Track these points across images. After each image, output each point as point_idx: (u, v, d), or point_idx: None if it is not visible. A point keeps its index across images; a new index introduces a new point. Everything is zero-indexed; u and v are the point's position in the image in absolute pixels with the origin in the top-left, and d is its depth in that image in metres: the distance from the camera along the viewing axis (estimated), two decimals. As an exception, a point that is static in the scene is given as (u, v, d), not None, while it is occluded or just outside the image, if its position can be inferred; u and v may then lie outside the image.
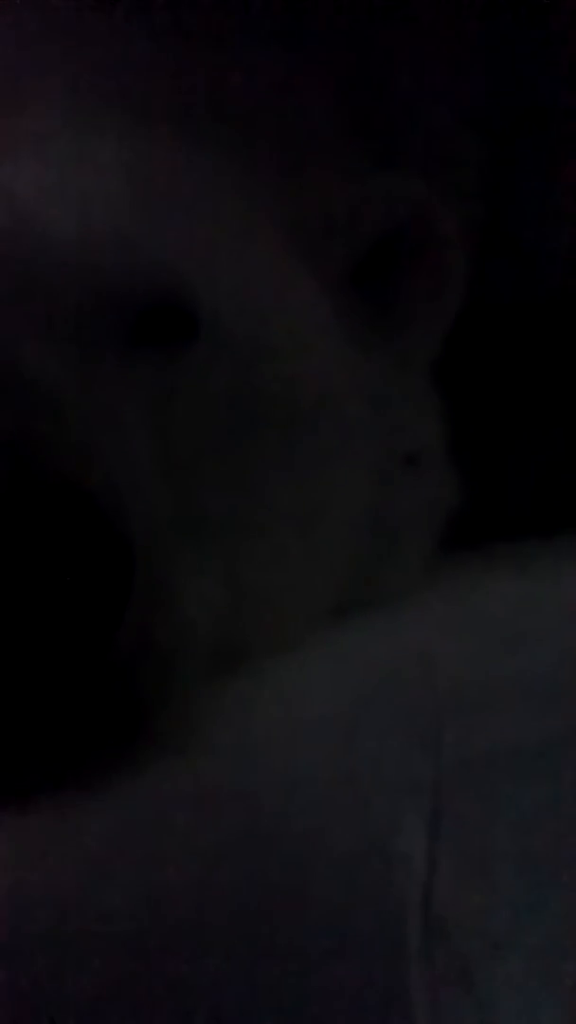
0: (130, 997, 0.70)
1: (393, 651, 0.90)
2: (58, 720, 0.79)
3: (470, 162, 1.12)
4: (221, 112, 1.02)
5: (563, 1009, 0.71)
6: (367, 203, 1.03)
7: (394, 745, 0.80)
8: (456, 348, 1.07)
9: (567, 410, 1.14)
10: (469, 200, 1.09)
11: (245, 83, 1.04)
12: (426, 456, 1.05)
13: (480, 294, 1.07)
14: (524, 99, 1.14)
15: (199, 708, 0.83)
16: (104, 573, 0.77)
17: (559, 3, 1.14)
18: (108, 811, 0.78)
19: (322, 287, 1.02)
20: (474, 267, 1.06)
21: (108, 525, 0.78)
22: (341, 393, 1.00)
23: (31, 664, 0.77)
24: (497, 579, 0.98)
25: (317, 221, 1.02)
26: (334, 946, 0.72)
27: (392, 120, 1.09)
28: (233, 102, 1.03)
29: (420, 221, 1.04)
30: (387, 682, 0.86)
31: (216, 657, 0.87)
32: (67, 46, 1.02)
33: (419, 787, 0.77)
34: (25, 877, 0.74)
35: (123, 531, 0.78)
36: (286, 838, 0.76)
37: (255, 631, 0.91)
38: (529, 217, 1.14)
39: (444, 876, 0.74)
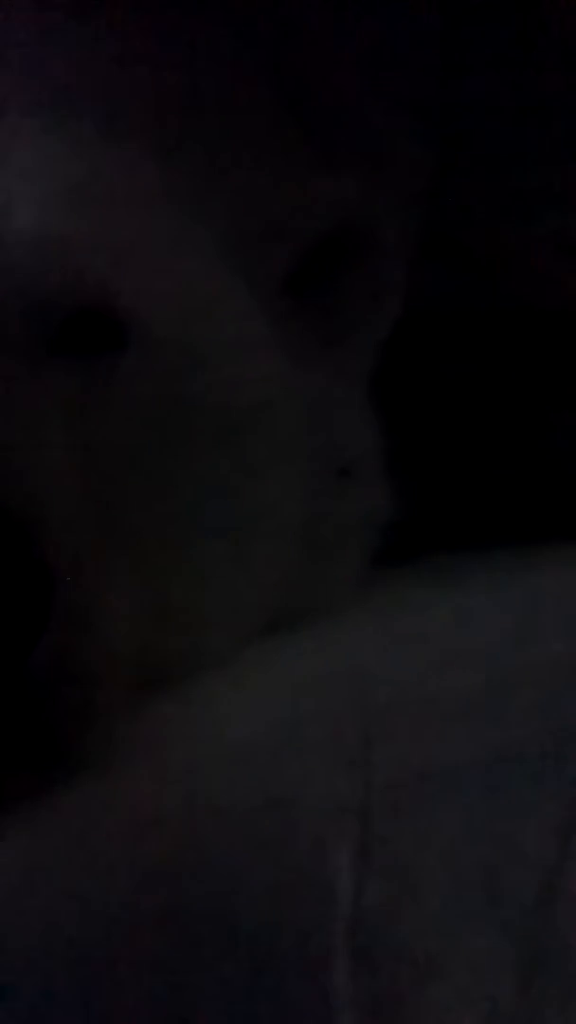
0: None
1: (323, 670, 0.88)
2: None
3: (411, 166, 1.10)
4: (151, 112, 1.00)
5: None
6: (304, 207, 1.02)
7: (321, 767, 0.79)
8: (393, 358, 1.06)
9: (505, 422, 1.14)
10: (409, 205, 1.08)
11: (177, 82, 1.03)
12: (361, 468, 1.04)
13: (419, 302, 1.05)
14: (467, 102, 1.13)
15: (121, 731, 0.82)
16: (20, 594, 0.76)
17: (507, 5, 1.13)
18: (25, 838, 0.76)
19: (257, 294, 1.00)
20: (413, 274, 1.05)
21: (25, 543, 0.77)
22: (274, 403, 0.98)
23: None
24: (432, 594, 0.97)
25: (252, 225, 1.00)
26: (259, 974, 0.71)
27: (331, 122, 1.08)
28: (164, 101, 1.01)
29: (359, 226, 1.03)
30: (316, 702, 0.85)
31: (140, 678, 0.85)
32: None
33: (346, 810, 0.76)
34: None
35: (41, 547, 0.77)
36: (210, 864, 0.74)
37: (181, 651, 0.90)
38: (470, 223, 1.13)
39: (372, 902, 0.73)
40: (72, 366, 0.89)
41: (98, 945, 0.72)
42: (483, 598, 0.95)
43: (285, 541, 0.98)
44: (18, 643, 0.76)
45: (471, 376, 1.13)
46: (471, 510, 1.11)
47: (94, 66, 1.01)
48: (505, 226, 1.14)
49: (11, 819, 0.76)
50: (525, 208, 1.15)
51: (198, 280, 0.98)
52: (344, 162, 1.06)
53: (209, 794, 0.78)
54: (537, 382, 1.14)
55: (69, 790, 0.78)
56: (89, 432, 0.88)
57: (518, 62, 1.15)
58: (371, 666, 0.88)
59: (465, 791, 0.78)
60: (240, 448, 0.95)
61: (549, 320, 1.15)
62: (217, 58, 1.05)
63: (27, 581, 0.76)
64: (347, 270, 1.03)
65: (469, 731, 0.81)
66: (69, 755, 0.80)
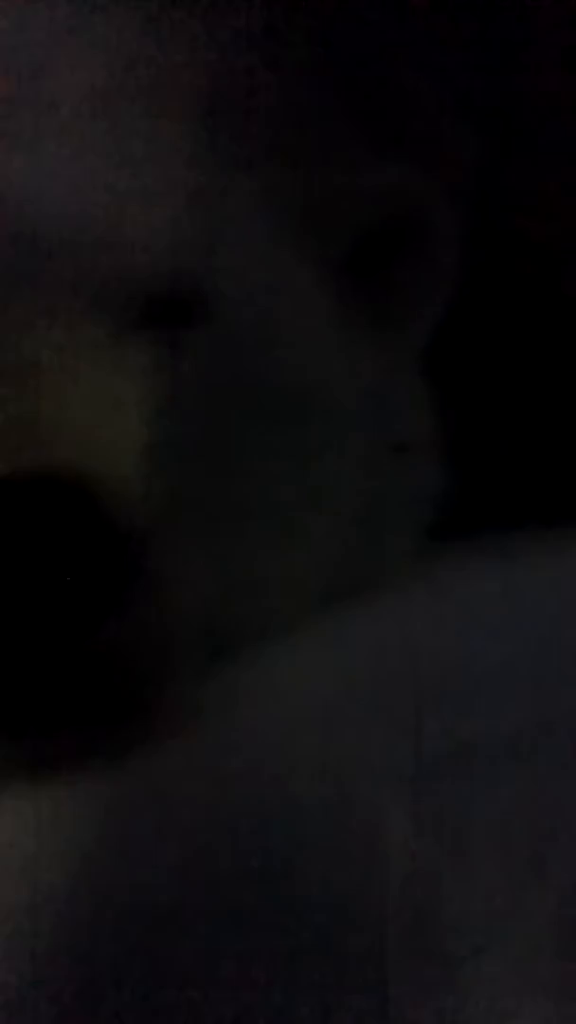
0: (122, 979, 0.72)
1: (377, 641, 0.90)
2: (50, 705, 0.80)
3: (465, 155, 1.11)
4: (223, 103, 1.02)
5: (541, 1009, 0.73)
6: (364, 195, 1.03)
7: (375, 735, 0.81)
8: (448, 338, 1.07)
9: (557, 399, 1.15)
10: (463, 191, 1.09)
11: (247, 75, 1.04)
12: (416, 445, 1.05)
13: (472, 286, 1.07)
14: (521, 92, 1.14)
15: (188, 695, 0.84)
16: (97, 560, 0.78)
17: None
18: (98, 793, 0.79)
19: (318, 277, 1.02)
20: (467, 259, 1.06)
21: (103, 510, 0.79)
22: (334, 382, 1.00)
23: (25, 649, 0.78)
24: (484, 569, 0.98)
25: (314, 211, 1.02)
26: (319, 933, 0.73)
27: (389, 112, 1.09)
28: (235, 94, 1.03)
29: (415, 214, 1.04)
30: (369, 672, 0.87)
31: (207, 643, 0.88)
32: (80, 38, 1.02)
33: (400, 778, 0.79)
34: (24, 863, 0.76)
35: (118, 515, 0.79)
36: (269, 827, 0.77)
37: (244, 618, 0.92)
38: (521, 211, 1.14)
39: (424, 868, 0.75)
40: (149, 344, 0.91)
41: (167, 896, 0.74)
42: (534, 574, 0.96)
43: (342, 515, 1.00)
44: (94, 608, 0.79)
45: (522, 356, 1.14)
46: (523, 487, 1.12)
47: (173, 64, 1.02)
48: (557, 214, 1.15)
49: (86, 779, 0.79)
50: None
51: (264, 262, 1.00)
52: (401, 149, 1.07)
53: (269, 759, 0.81)
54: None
55: (142, 752, 0.80)
56: (164, 404, 0.90)
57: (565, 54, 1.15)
58: (424, 638, 0.89)
59: (515, 761, 0.80)
60: (301, 424, 0.97)
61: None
62: (280, 48, 1.06)
63: (103, 548, 0.78)
64: (403, 254, 1.04)
65: (519, 703, 0.83)
66: (141, 718, 0.82)
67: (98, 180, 0.94)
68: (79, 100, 0.97)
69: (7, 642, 0.78)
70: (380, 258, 1.04)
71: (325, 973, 0.73)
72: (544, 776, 0.80)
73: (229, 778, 0.79)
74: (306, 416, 0.97)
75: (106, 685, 0.81)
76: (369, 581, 0.98)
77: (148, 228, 0.94)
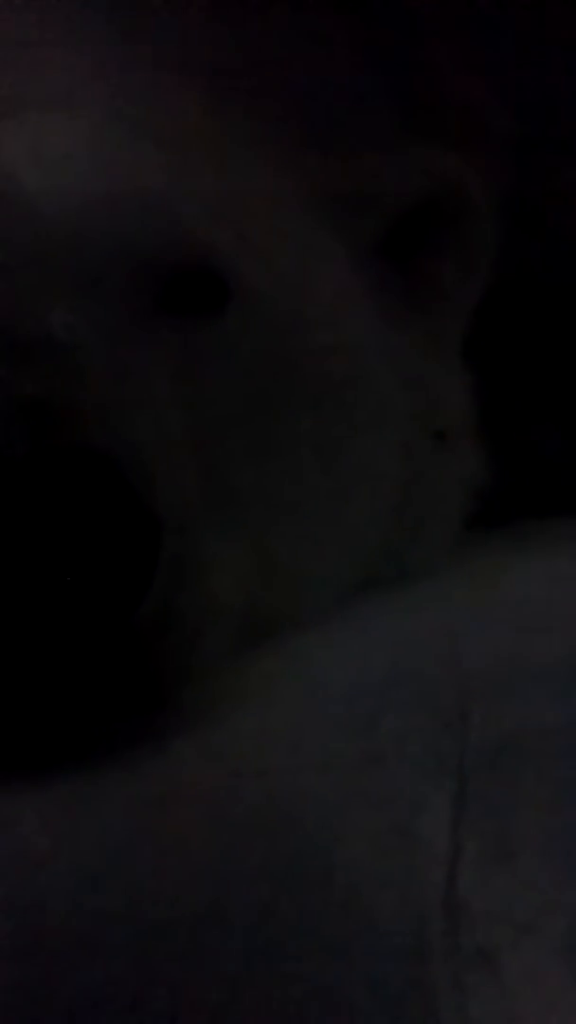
0: (147, 977, 0.69)
1: (418, 629, 0.89)
2: (80, 691, 0.78)
3: (501, 136, 1.12)
4: (254, 80, 1.02)
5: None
6: (400, 175, 1.03)
7: (418, 724, 0.80)
8: (486, 325, 1.07)
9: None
10: (500, 174, 1.08)
11: (279, 51, 1.04)
12: (455, 432, 1.05)
13: (509, 269, 1.06)
14: (556, 73, 1.14)
15: (222, 683, 0.83)
16: (128, 543, 0.76)
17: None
18: (129, 784, 0.77)
19: (353, 259, 1.01)
20: (504, 242, 1.06)
21: (132, 493, 0.76)
22: (371, 367, 0.99)
23: (53, 633, 0.76)
24: (525, 558, 0.98)
25: (349, 192, 1.02)
26: (356, 929, 0.71)
27: (426, 93, 1.09)
28: (266, 70, 1.03)
29: (453, 194, 1.04)
30: (412, 660, 0.85)
31: (241, 631, 0.86)
32: (100, 6, 1.02)
33: (444, 767, 0.77)
34: (48, 847, 0.74)
35: (148, 499, 0.77)
36: (308, 817, 0.75)
37: (281, 606, 0.91)
38: (558, 192, 1.14)
39: (468, 859, 0.73)
40: (179, 323, 0.91)
41: (197, 890, 0.72)
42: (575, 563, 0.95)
43: (381, 502, 0.99)
44: (126, 593, 0.77)
45: (562, 342, 1.13)
46: (563, 475, 1.12)
47: (201, 36, 1.03)
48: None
49: (116, 764, 0.77)
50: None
51: (297, 243, 0.99)
52: (439, 133, 1.07)
53: (308, 748, 0.79)
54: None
55: (173, 738, 0.79)
56: (195, 387, 0.89)
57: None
58: (465, 627, 0.88)
59: (557, 752, 0.78)
60: (336, 410, 0.96)
61: None
62: (318, 33, 1.07)
63: (135, 531, 0.76)
64: (440, 237, 1.04)
65: (562, 694, 0.81)
66: (173, 703, 0.81)
67: (114, 153, 0.94)
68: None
69: (34, 625, 0.76)
70: (416, 241, 1.04)
71: (366, 964, 0.70)
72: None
73: (264, 769, 0.77)
74: (342, 402, 0.97)
75: (136, 672, 0.79)
76: (409, 569, 0.98)
77: (168, 205, 0.93)
